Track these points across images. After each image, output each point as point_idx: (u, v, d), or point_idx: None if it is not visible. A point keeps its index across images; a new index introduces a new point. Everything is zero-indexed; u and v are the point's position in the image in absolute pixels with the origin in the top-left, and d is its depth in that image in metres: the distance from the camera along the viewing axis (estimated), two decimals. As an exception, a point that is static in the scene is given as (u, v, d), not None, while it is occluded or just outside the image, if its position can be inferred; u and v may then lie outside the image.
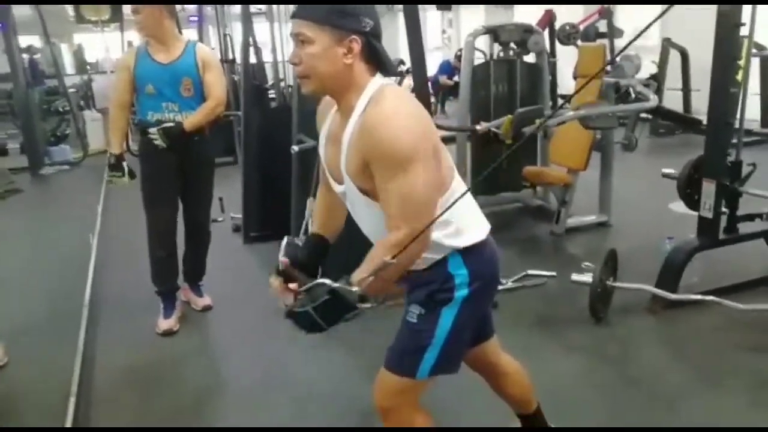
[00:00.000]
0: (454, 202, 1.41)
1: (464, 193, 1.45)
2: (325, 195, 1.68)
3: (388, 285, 1.47)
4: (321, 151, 1.57)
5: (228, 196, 5.05)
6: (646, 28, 1.13)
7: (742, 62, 3.00)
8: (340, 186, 1.51)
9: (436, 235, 1.44)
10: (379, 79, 1.42)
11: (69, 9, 10.90)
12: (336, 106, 1.48)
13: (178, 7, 9.50)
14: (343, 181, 1.46)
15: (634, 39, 1.26)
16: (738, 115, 3.11)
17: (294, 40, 1.40)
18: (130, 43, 12.68)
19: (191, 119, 2.94)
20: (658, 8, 9.74)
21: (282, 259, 1.55)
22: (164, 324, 3.08)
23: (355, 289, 1.37)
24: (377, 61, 1.42)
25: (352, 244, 1.60)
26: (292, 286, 1.50)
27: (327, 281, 1.41)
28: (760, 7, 3.01)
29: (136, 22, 2.88)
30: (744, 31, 2.94)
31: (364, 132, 1.34)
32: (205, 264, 3.36)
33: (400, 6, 3.34)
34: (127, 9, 11.69)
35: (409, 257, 1.36)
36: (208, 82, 2.97)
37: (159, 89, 2.90)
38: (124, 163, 3.00)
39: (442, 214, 1.38)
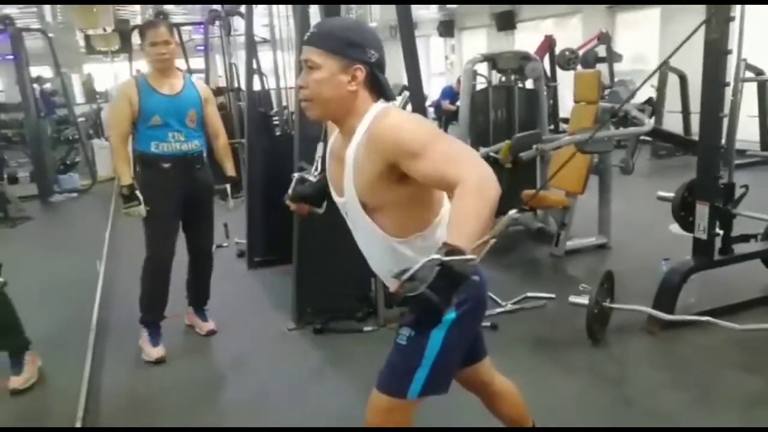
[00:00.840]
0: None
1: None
2: None
3: (486, 234, 1.32)
4: (327, 161, 1.66)
5: (232, 222, 5.13)
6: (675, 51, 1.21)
7: (731, 87, 3.08)
8: (340, 198, 1.59)
9: (430, 243, 1.50)
10: (380, 104, 1.51)
11: (80, 40, 11.12)
12: (337, 129, 1.57)
13: (185, 36, 9.69)
14: (344, 194, 1.54)
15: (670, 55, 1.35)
16: (727, 139, 3.17)
17: (303, 66, 1.49)
18: (138, 72, 12.94)
19: (229, 167, 3.27)
20: (654, 33, 9.85)
21: (289, 194, 1.77)
22: (156, 352, 3.08)
23: (471, 257, 1.22)
24: (379, 90, 1.51)
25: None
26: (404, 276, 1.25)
27: (436, 256, 1.20)
28: (754, 33, 3.11)
29: (162, 53, 2.93)
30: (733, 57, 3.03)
31: (376, 140, 1.41)
32: (209, 289, 3.43)
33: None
34: (136, 39, 12.00)
35: (494, 192, 1.29)
36: (210, 115, 3.16)
37: (166, 120, 2.97)
38: (137, 192, 2.98)
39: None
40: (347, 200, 1.54)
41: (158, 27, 2.98)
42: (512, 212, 1.45)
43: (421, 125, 1.43)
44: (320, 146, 1.91)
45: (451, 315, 1.56)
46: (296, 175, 1.85)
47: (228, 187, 3.31)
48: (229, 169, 3.32)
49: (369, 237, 1.57)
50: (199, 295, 3.41)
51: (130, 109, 2.94)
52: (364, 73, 1.45)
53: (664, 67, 7.80)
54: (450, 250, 1.19)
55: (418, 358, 1.57)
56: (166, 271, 3.11)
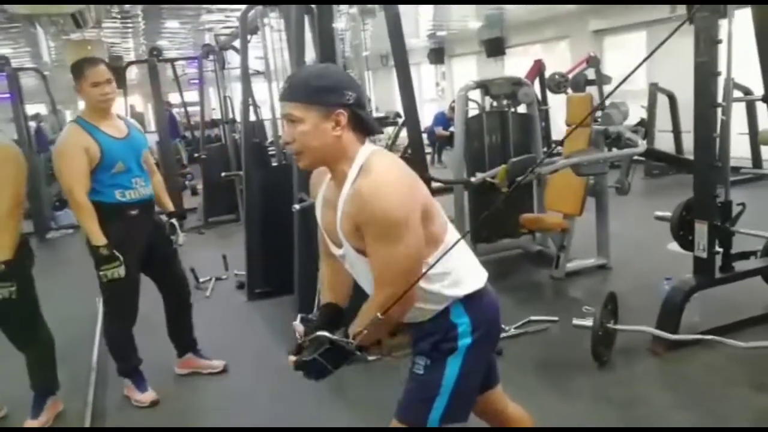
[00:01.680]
0: (444, 253, 1.49)
1: (455, 243, 1.52)
2: (328, 262, 1.75)
3: (381, 336, 1.62)
4: (318, 215, 1.65)
5: (231, 253, 5.13)
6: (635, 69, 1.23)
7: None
8: (339, 249, 1.59)
9: (436, 287, 1.53)
10: (368, 147, 1.52)
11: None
12: (330, 174, 1.57)
13: (179, 71, 9.76)
14: (342, 244, 1.54)
15: (621, 83, 1.38)
16: (721, 157, 3.20)
17: (285, 121, 1.50)
18: (132, 107, 12.99)
19: (169, 201, 3.16)
20: (641, 55, 10.04)
21: (300, 338, 1.64)
22: (147, 396, 3.01)
23: (350, 341, 1.50)
24: (363, 128, 1.52)
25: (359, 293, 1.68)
26: (299, 329, 1.66)
27: (326, 333, 1.51)
28: (742, 53, 3.17)
29: (106, 92, 2.76)
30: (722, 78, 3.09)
31: (357, 201, 1.43)
32: (193, 325, 3.31)
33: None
34: (131, 74, 12.10)
35: (394, 314, 1.47)
36: (146, 154, 3.01)
37: (128, 165, 2.80)
38: (115, 252, 2.74)
39: (424, 273, 1.46)
40: (345, 249, 1.55)
41: (98, 65, 2.79)
42: (378, 315, 1.47)
43: (398, 201, 1.41)
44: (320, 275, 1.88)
45: (466, 341, 1.56)
46: (299, 316, 1.73)
47: (174, 221, 3.15)
48: (169, 204, 3.18)
49: (369, 275, 1.55)
50: (190, 336, 3.30)
51: (87, 159, 2.70)
52: (345, 116, 1.47)
53: (652, 88, 7.95)
54: (345, 333, 1.51)
55: (437, 387, 1.57)
56: (133, 322, 2.99)
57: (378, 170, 1.45)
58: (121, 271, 2.75)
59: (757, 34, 3.27)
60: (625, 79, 1.31)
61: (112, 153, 2.76)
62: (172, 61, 9.15)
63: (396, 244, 1.41)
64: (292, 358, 1.60)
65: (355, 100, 1.48)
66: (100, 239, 2.71)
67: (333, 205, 1.53)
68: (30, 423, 2.82)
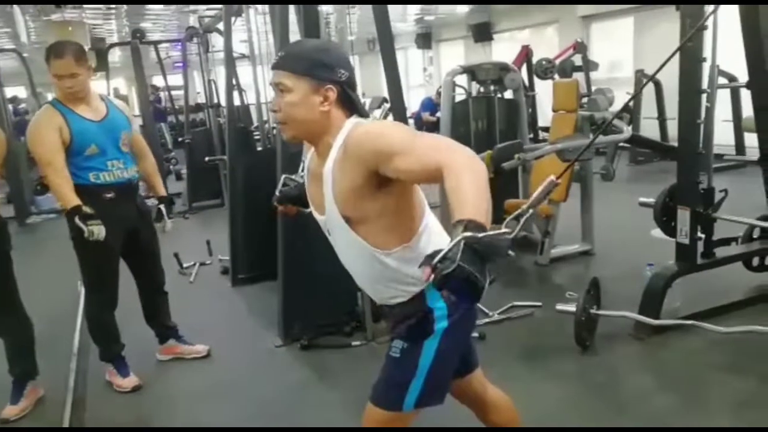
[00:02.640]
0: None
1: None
2: None
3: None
4: (305, 179, 1.67)
5: (215, 238, 5.10)
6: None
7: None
8: (321, 216, 1.59)
9: (413, 269, 1.48)
10: (354, 119, 1.51)
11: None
12: (313, 149, 1.56)
13: (163, 54, 9.62)
14: (325, 212, 1.54)
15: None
16: (705, 144, 3.21)
17: (274, 90, 1.49)
18: (116, 90, 12.80)
19: (161, 186, 3.12)
20: (628, 41, 10.02)
21: (277, 196, 1.85)
22: (129, 381, 2.99)
23: (504, 230, 1.19)
24: (351, 107, 1.51)
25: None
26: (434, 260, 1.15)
27: (470, 233, 1.12)
28: (726, 40, 3.17)
29: (68, 86, 2.66)
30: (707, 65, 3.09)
31: (353, 149, 1.41)
32: (170, 316, 3.28)
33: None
34: (113, 57, 11.90)
35: (482, 167, 1.28)
36: (135, 135, 2.98)
37: (102, 148, 2.74)
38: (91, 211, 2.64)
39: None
40: (329, 217, 1.54)
41: (63, 57, 2.64)
42: (551, 178, 1.41)
43: (396, 127, 1.46)
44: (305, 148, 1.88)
45: (443, 324, 1.56)
46: (283, 176, 1.89)
47: (162, 207, 3.10)
48: (160, 189, 3.15)
49: (353, 252, 1.56)
50: (169, 328, 3.27)
51: (60, 139, 2.65)
52: (335, 93, 1.46)
53: (639, 75, 7.97)
54: (471, 225, 1.12)
55: (412, 370, 1.56)
56: (114, 306, 2.96)
57: (366, 124, 1.47)
58: (102, 230, 2.61)
59: (742, 20, 3.27)
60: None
61: (83, 135, 2.70)
62: (155, 43, 9.02)
63: (415, 136, 1.37)
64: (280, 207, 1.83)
65: (347, 79, 1.48)
66: (73, 200, 2.63)
67: (317, 176, 1.53)
68: (10, 409, 2.79)
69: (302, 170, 1.70)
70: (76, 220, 2.59)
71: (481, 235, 1.11)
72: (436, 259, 1.11)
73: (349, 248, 1.57)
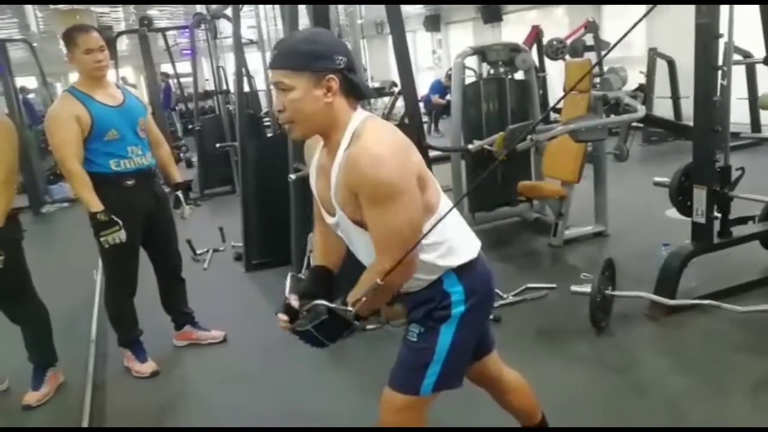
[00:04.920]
0: (438, 221, 1.45)
1: (449, 211, 1.48)
2: (321, 228, 1.72)
3: (380, 305, 1.57)
4: (312, 182, 1.62)
5: (228, 225, 5.12)
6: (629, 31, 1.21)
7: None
8: (332, 218, 1.56)
9: (430, 256, 1.51)
10: (360, 114, 1.48)
11: (64, 48, 11.03)
12: (323, 142, 1.54)
13: (171, 41, 9.61)
14: (335, 212, 1.52)
15: (614, 45, 1.35)
16: (721, 122, 3.16)
17: (275, 89, 1.46)
18: (124, 79, 12.81)
19: (177, 174, 3.14)
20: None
21: (288, 295, 1.60)
22: (147, 367, 3.03)
23: (349, 309, 1.46)
24: (356, 93, 1.48)
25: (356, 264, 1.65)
26: (294, 303, 1.57)
27: (324, 302, 1.47)
28: (742, 15, 3.11)
29: (99, 60, 2.70)
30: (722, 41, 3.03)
31: (350, 167, 1.39)
32: (188, 303, 3.32)
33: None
34: (121, 46, 11.89)
35: (395, 281, 1.45)
36: (151, 123, 2.99)
37: (122, 133, 2.75)
38: (114, 217, 2.70)
39: (420, 239, 1.42)
40: (338, 219, 1.52)
41: (90, 32, 2.71)
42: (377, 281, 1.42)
43: (391, 166, 1.36)
44: (310, 237, 1.84)
45: (460, 309, 1.56)
46: (290, 276, 1.73)
47: (180, 194, 3.13)
48: (177, 176, 3.17)
49: (366, 247, 1.52)
50: (186, 314, 3.31)
51: (79, 128, 2.66)
52: (337, 81, 1.42)
53: (651, 53, 7.85)
54: (344, 302, 1.47)
55: (430, 354, 1.56)
56: (134, 293, 3.00)
57: (370, 136, 1.41)
58: (122, 236, 2.71)
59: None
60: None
61: (103, 120, 2.70)
62: (163, 30, 8.99)
63: (394, 210, 1.38)
64: (283, 317, 1.56)
65: (346, 65, 1.43)
66: (96, 205, 2.68)
67: (327, 172, 1.50)
68: (31, 395, 2.83)
69: (308, 261, 1.69)
70: (93, 234, 2.72)
71: (332, 305, 1.46)
72: (303, 309, 1.51)
73: (363, 245, 1.54)
